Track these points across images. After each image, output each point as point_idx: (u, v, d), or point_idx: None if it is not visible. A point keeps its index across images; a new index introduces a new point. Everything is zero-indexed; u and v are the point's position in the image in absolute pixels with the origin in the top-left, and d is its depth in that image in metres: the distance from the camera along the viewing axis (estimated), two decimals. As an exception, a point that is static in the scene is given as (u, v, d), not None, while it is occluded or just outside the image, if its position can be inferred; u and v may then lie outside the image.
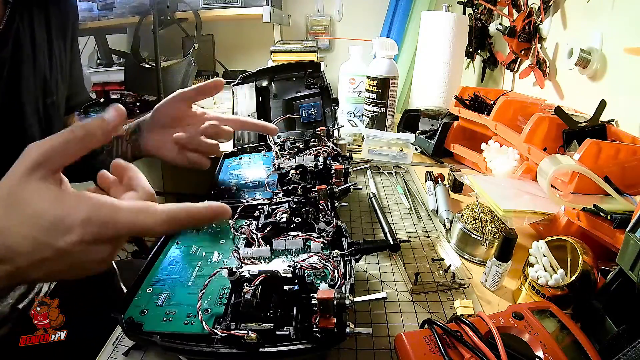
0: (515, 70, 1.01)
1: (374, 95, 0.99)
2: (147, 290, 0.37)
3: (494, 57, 1.13)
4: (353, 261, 0.37)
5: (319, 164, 0.52)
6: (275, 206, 0.46)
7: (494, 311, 0.38)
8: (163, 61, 1.24)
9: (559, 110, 0.60)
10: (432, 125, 0.93)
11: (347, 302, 0.29)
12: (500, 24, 0.98)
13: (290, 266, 0.32)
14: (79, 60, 0.63)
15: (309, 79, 0.74)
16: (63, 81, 0.56)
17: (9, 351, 0.44)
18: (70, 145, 0.27)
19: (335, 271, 0.35)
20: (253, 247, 0.40)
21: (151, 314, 0.34)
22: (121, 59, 1.44)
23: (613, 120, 0.64)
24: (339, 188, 0.47)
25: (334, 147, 0.60)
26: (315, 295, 0.29)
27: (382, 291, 0.36)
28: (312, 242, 0.40)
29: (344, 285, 0.33)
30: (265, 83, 0.75)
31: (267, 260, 0.39)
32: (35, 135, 0.51)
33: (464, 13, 1.19)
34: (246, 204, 0.48)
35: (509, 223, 0.50)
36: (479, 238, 0.52)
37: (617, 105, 0.63)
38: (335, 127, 0.70)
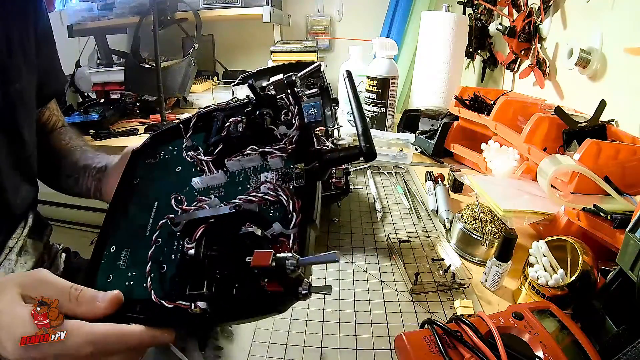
0: (515, 70, 1.01)
1: (374, 95, 0.99)
2: (111, 250, 0.33)
3: (494, 57, 1.13)
4: (319, 185, 0.30)
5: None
6: (230, 112, 0.39)
7: (494, 311, 0.38)
8: (163, 61, 1.24)
9: (559, 110, 0.60)
10: (432, 125, 0.93)
11: (289, 265, 0.24)
12: (500, 24, 0.98)
13: (233, 206, 0.28)
14: (50, 46, 0.59)
15: (309, 79, 0.74)
16: (28, 68, 0.52)
17: None
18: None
19: (291, 202, 0.29)
20: (205, 175, 0.34)
21: (115, 280, 0.31)
22: (121, 59, 1.44)
23: (613, 120, 0.64)
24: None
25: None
26: (249, 258, 0.25)
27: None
28: (270, 157, 0.33)
29: (290, 237, 0.27)
30: (265, 83, 0.75)
31: (221, 189, 0.34)
32: None
33: (464, 13, 1.19)
34: (198, 114, 0.41)
35: (509, 223, 0.50)
36: (479, 238, 0.52)
37: (617, 105, 0.63)
38: (335, 127, 0.69)
